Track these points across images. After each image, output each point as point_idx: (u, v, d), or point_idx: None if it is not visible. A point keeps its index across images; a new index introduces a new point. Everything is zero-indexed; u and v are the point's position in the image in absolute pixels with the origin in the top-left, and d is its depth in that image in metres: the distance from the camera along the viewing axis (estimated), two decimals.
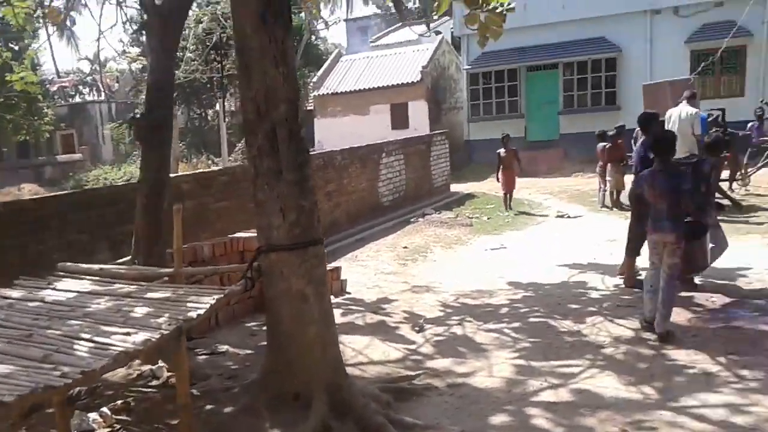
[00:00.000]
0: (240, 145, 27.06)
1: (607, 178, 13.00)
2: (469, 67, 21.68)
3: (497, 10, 6.56)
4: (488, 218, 13.14)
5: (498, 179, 13.99)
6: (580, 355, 5.54)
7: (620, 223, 11.33)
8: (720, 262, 7.96)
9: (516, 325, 6.49)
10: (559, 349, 5.73)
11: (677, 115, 10.52)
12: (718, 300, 6.76)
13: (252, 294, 6.89)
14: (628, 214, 11.93)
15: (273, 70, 4.38)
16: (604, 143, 13.05)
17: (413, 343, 6.19)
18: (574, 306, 6.96)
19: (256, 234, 4.98)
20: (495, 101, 21.65)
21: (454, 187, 17.37)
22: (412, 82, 22.66)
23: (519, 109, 21.43)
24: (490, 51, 20.62)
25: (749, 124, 14.43)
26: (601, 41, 20.03)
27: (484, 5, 6.59)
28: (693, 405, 4.51)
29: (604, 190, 13.19)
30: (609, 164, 12.86)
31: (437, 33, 24.74)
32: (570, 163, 19.50)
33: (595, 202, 13.56)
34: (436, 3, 7.28)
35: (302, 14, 26.57)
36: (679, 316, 6.27)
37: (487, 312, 7.04)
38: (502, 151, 13.65)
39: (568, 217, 12.74)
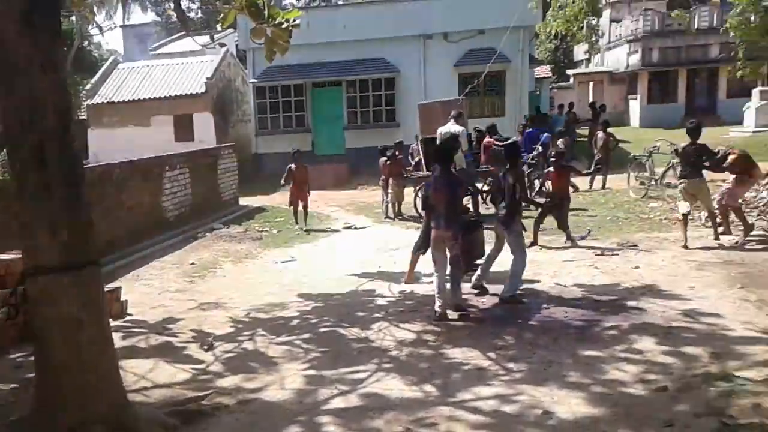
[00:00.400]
0: None
1: (389, 190, 13.70)
2: (256, 80, 21.62)
3: (283, 26, 6.63)
4: (278, 231, 13.16)
5: (283, 182, 13.32)
6: (367, 361, 5.77)
7: (402, 233, 12.03)
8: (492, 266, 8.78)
9: (306, 336, 6.58)
10: (348, 357, 5.92)
11: (446, 133, 11.52)
12: (488, 300, 7.44)
13: (16, 322, 6.26)
14: (409, 224, 12.82)
15: (40, 78, 4.03)
16: (386, 158, 13.75)
17: (202, 362, 6.01)
18: (361, 313, 7.23)
19: (21, 256, 4.52)
20: (282, 115, 21.81)
21: (244, 201, 17.14)
22: (197, 93, 22.02)
23: (306, 124, 21.82)
24: (276, 66, 20.77)
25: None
26: (380, 62, 21.14)
27: (270, 20, 6.63)
28: (468, 399, 4.91)
29: (387, 202, 13.88)
30: (390, 177, 13.57)
31: (221, 45, 24.30)
32: (356, 176, 20.20)
33: (380, 213, 14.20)
34: (222, 15, 7.18)
35: (73, 18, 24.59)
36: (456, 315, 6.81)
37: (278, 325, 7.05)
38: (293, 165, 13.21)
39: (355, 228, 13.18)
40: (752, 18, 13.89)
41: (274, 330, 6.86)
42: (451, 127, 11.73)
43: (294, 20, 6.68)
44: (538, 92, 29.81)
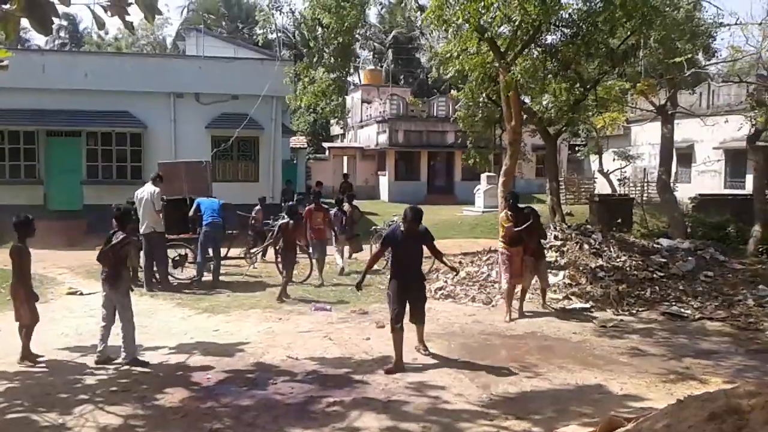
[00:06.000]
0: None
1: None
2: None
3: None
4: None
5: None
6: None
7: (134, 300, 11.05)
8: (221, 338, 8.40)
9: None
10: None
11: (143, 194, 11.79)
12: (214, 377, 6.97)
13: None
14: (144, 290, 11.84)
15: None
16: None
17: None
18: (64, 395, 6.31)
19: None
20: (9, 164, 19.37)
21: None
22: None
23: (37, 175, 19.61)
24: (4, 109, 18.53)
25: (255, 209, 15.87)
26: (125, 115, 19.76)
27: None
28: None
29: None
30: None
31: None
32: (94, 236, 18.36)
33: None
34: None
35: None
36: (173, 396, 6.26)
37: None
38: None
39: (81, 294, 11.89)
40: (478, 112, 15.64)
41: None
42: (148, 188, 11.70)
43: (2, 61, 5.92)
44: (294, 161, 30.42)
